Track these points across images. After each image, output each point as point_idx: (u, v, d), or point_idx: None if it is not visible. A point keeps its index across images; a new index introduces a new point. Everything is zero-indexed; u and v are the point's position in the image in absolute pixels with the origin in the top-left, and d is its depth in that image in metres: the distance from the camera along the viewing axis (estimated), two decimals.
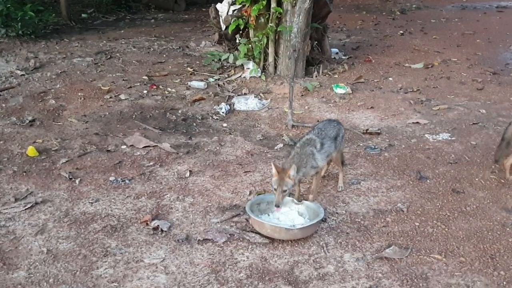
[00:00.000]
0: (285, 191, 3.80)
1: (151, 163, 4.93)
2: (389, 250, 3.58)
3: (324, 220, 3.95)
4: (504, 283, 3.29)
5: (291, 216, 3.93)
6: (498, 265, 3.46)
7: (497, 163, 4.82)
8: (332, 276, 3.34)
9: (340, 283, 3.27)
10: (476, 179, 4.68)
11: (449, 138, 5.61)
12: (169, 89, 7.10)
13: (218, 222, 3.95)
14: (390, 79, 7.77)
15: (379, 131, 5.76)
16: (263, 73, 7.47)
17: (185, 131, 5.81)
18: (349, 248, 3.64)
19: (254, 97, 6.81)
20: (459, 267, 3.44)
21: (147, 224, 3.88)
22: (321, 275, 3.35)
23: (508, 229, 3.89)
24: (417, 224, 3.96)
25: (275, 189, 3.81)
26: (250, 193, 4.41)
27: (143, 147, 5.25)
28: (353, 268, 3.41)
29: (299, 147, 4.12)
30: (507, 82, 7.72)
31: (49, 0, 12.45)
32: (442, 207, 4.19)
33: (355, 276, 3.33)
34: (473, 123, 6.04)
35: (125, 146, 5.29)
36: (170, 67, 8.15)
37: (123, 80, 7.38)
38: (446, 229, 3.89)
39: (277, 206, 3.79)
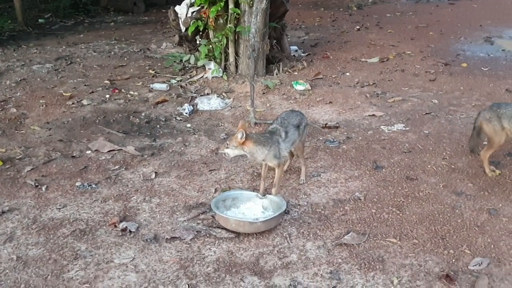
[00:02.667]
0: (227, 147, 4.03)
1: (117, 167, 5.00)
2: (348, 236, 3.81)
3: (287, 212, 4.14)
4: (453, 260, 3.56)
5: (256, 210, 4.11)
6: (448, 244, 3.73)
7: (472, 153, 5.06)
8: (295, 264, 3.53)
9: (302, 270, 3.46)
10: (429, 166, 4.97)
11: (403, 129, 5.91)
12: (131, 92, 7.15)
13: (185, 221, 4.08)
14: (347, 74, 8.07)
15: (337, 125, 6.00)
16: (224, 73, 7.61)
17: (149, 133, 5.89)
18: (311, 237, 3.84)
19: (217, 97, 6.94)
20: (412, 248, 3.69)
21: (115, 226, 3.97)
22: (285, 264, 3.53)
23: (457, 211, 4.18)
24: (374, 211, 4.20)
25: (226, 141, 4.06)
26: (216, 190, 4.56)
27: (108, 151, 5.31)
28: (315, 256, 3.62)
29: (268, 135, 4.26)
30: (457, 72, 8.13)
31: (4, 6, 12.18)
32: (396, 194, 4.45)
33: (316, 263, 3.54)
34: (426, 113, 6.36)
35: (89, 151, 5.34)
36: (131, 70, 8.18)
37: (85, 85, 7.38)
38: (401, 214, 4.14)
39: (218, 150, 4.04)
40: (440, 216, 4.12)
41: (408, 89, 7.33)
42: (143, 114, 6.43)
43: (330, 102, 6.84)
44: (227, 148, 4.06)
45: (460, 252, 3.64)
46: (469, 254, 3.62)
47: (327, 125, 6.00)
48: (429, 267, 3.47)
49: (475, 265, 3.49)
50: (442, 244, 3.74)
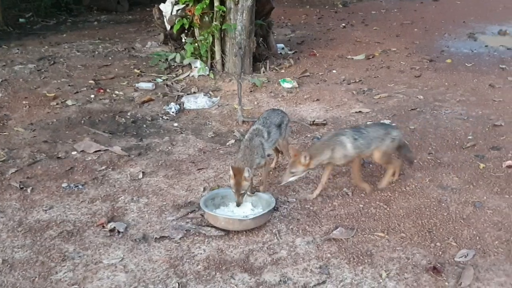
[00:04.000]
0: (242, 193, 4.03)
1: (103, 167, 5.00)
2: (336, 231, 3.88)
3: (276, 209, 4.20)
4: (440, 252, 3.65)
5: (245, 208, 4.15)
6: (434, 237, 3.82)
7: None
8: (285, 260, 3.59)
9: (292, 266, 3.52)
10: (415, 161, 5.03)
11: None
12: (116, 92, 7.14)
13: (173, 220, 4.11)
14: (334, 71, 8.15)
15: (325, 122, 6.07)
16: (211, 71, 7.63)
17: (135, 133, 5.90)
18: (300, 233, 3.90)
19: (204, 95, 6.96)
20: (400, 242, 3.77)
21: (103, 226, 3.98)
22: (274, 260, 3.59)
23: (443, 204, 4.27)
24: (362, 206, 4.28)
25: (234, 192, 4.04)
26: (204, 189, 4.59)
27: (94, 152, 5.31)
28: (304, 251, 3.68)
29: (247, 140, 4.31)
30: (442, 68, 8.27)
31: None
32: (383, 189, 4.53)
33: (306, 258, 3.60)
34: (412, 109, 6.46)
35: (75, 152, 5.33)
36: (116, 69, 8.16)
37: (69, 85, 7.34)
38: (388, 209, 4.23)
39: (238, 205, 4.04)
40: (427, 209, 4.21)
41: (394, 86, 7.43)
42: (129, 114, 6.42)
43: (317, 100, 6.91)
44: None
45: (446, 244, 3.73)
46: (455, 246, 3.71)
47: (314, 122, 6.06)
48: (416, 260, 3.55)
49: (461, 256, 3.58)
50: (429, 237, 3.83)
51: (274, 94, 7.16)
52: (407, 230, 3.92)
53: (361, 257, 3.60)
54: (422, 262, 3.53)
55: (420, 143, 5.47)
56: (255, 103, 6.88)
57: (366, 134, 4.29)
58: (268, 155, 4.68)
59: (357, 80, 7.67)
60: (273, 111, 4.70)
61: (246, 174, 3.97)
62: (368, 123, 5.03)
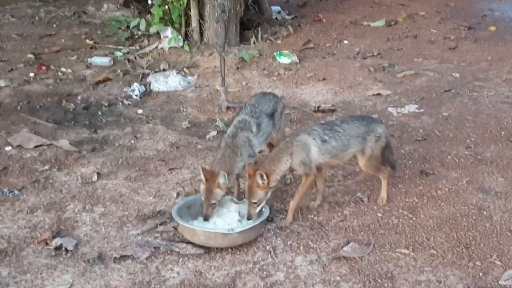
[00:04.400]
0: (213, 204, 4.04)
1: (46, 167, 4.99)
2: (347, 248, 3.89)
3: (270, 220, 4.21)
4: (481, 274, 3.68)
5: (230, 218, 4.15)
6: (473, 254, 3.85)
7: None
8: (282, 285, 3.61)
9: None
10: (449, 157, 5.09)
11: (417, 111, 6.04)
12: (63, 69, 7.09)
13: (138, 234, 4.10)
14: (345, 42, 8.16)
15: (333, 108, 6.08)
16: (185, 42, 7.60)
17: (88, 122, 5.86)
18: (301, 250, 3.92)
19: (176, 73, 6.92)
20: (429, 261, 3.80)
21: (46, 243, 3.97)
22: (269, 285, 3.61)
23: (485, 212, 4.31)
24: (380, 215, 4.31)
25: (203, 200, 4.05)
26: (178, 195, 4.59)
27: (34, 147, 5.28)
28: (307, 273, 3.70)
29: (230, 136, 4.30)
30: (484, 38, 8.30)
31: None
32: (408, 193, 4.57)
33: (309, 283, 3.62)
34: (445, 91, 6.49)
35: (10, 147, 5.30)
36: (63, 40, 8.10)
37: (1, 61, 7.28)
38: (414, 219, 4.26)
39: (205, 219, 4.03)
40: (464, 219, 4.24)
41: (422, 60, 7.44)
42: (79, 98, 6.38)
43: (323, 79, 6.89)
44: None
45: (488, 263, 3.76)
46: (500, 265, 3.74)
47: (320, 109, 6.06)
48: (450, 284, 3.58)
49: (508, 279, 3.61)
50: (466, 254, 3.86)
51: (267, 72, 7.14)
52: (438, 245, 3.95)
53: (379, 280, 3.62)
54: (458, 287, 3.56)
55: (456, 135, 5.51)
56: (243, 83, 6.86)
57: (341, 132, 4.22)
58: (260, 152, 4.70)
59: (375, 54, 7.67)
60: (263, 96, 4.71)
61: (221, 180, 3.98)
62: (344, 117, 4.92)
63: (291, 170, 4.19)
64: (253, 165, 4.10)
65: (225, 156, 4.20)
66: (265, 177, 3.94)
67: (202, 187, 4.03)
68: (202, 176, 4.01)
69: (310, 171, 4.15)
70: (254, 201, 3.99)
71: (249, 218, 3.99)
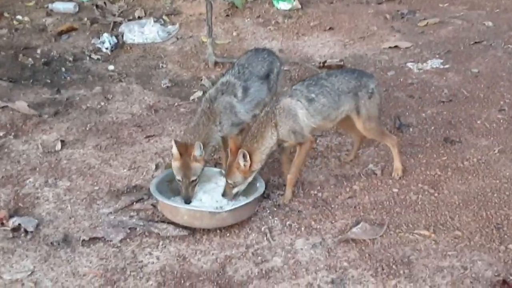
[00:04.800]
0: (193, 181, 4.04)
1: (1, 134, 5.00)
2: (357, 229, 3.92)
3: (266, 197, 4.24)
4: None
5: (219, 194, 4.15)
6: (505, 236, 3.88)
7: None
8: (279, 271, 3.64)
9: (290, 280, 3.58)
10: (478, 122, 5.10)
11: (441, 66, 6.04)
12: (19, 17, 7.05)
13: (110, 213, 4.13)
14: None
15: (341, 63, 6.05)
16: None
17: (49, 81, 5.86)
18: (302, 232, 3.95)
19: (154, 22, 6.89)
20: (453, 244, 3.82)
21: (2, 223, 3.99)
22: (264, 272, 3.64)
23: None
24: (396, 190, 4.33)
25: (180, 180, 4.04)
26: (157, 167, 4.61)
27: None
28: (309, 258, 3.73)
29: (208, 100, 4.27)
30: None
31: None
32: (430, 165, 4.58)
33: (311, 269, 3.65)
34: (475, 42, 6.48)
35: None
36: None
37: None
38: (436, 195, 4.28)
39: (187, 202, 4.03)
40: (495, 195, 4.26)
41: (448, 6, 7.41)
42: (39, 51, 6.37)
43: (330, 29, 6.86)
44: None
45: None
46: None
47: (325, 64, 6.04)
48: (477, 271, 3.61)
49: None
50: (497, 236, 3.89)
51: (263, 20, 7.11)
52: (464, 226, 3.98)
53: (394, 267, 3.65)
54: (487, 274, 3.59)
55: (487, 95, 5.51)
56: (234, 34, 6.84)
57: (329, 87, 4.22)
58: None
59: None
60: (256, 54, 4.67)
61: (196, 152, 3.98)
62: (331, 71, 4.82)
63: (280, 143, 4.16)
64: (237, 140, 4.09)
65: (199, 124, 4.18)
66: (248, 157, 3.94)
67: (176, 163, 4.02)
68: (175, 151, 3.99)
69: (304, 139, 4.16)
70: (230, 181, 4.02)
71: (223, 196, 4.04)
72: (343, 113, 4.27)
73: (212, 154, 4.68)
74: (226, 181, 4.03)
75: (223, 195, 4.04)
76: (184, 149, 3.99)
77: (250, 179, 4.07)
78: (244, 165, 3.96)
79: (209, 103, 4.24)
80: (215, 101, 4.25)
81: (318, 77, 4.34)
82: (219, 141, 4.31)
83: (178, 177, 4.03)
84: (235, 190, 4.03)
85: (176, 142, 4.03)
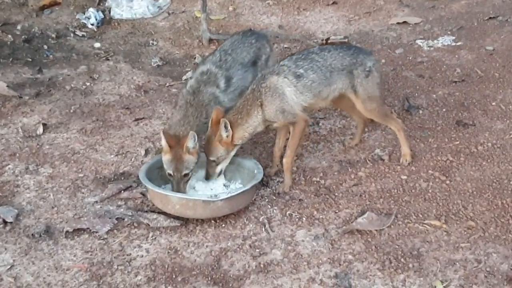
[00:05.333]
0: (186, 175, 4.00)
1: None
2: (362, 219, 3.88)
3: (264, 184, 4.21)
4: None
5: (214, 182, 4.14)
6: None
7: None
8: (279, 265, 3.61)
9: (291, 275, 3.54)
10: (493, 104, 5.06)
11: (453, 44, 6.00)
12: None
13: (96, 202, 4.10)
14: None
15: (346, 40, 6.04)
16: None
17: (30, 59, 5.84)
18: (304, 222, 3.92)
19: None
20: (466, 235, 3.80)
21: None
22: (262, 265, 3.61)
23: None
24: (405, 177, 4.30)
25: (171, 175, 3.99)
26: (147, 152, 4.59)
27: None
28: (311, 251, 3.69)
29: (190, 93, 4.22)
30: None
31: None
32: (441, 150, 4.54)
33: (313, 262, 3.61)
34: (490, 18, 6.45)
35: None
36: None
37: None
38: (448, 182, 4.24)
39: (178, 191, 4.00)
40: (511, 183, 4.23)
41: None
42: (19, 27, 6.34)
43: (334, 3, 6.83)
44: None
45: None
46: None
47: (329, 41, 6.02)
48: (492, 264, 3.59)
49: None
50: None
51: None
52: (478, 216, 3.95)
53: (402, 260, 3.62)
54: (502, 267, 3.56)
55: (503, 74, 5.48)
56: (230, 9, 6.80)
57: (320, 62, 4.18)
58: None
59: None
60: (243, 39, 4.60)
61: (190, 143, 3.94)
62: (325, 46, 4.85)
63: (268, 124, 4.12)
64: (221, 111, 4.03)
65: (187, 116, 4.15)
66: (229, 128, 3.91)
67: (167, 156, 3.98)
68: (164, 143, 3.96)
69: (296, 118, 4.11)
70: (212, 158, 3.99)
71: (207, 179, 4.01)
72: (335, 91, 4.24)
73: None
74: (208, 160, 4.00)
75: (206, 177, 4.02)
76: (175, 141, 3.95)
77: (232, 153, 4.05)
78: (226, 136, 3.93)
79: (193, 95, 4.21)
80: (199, 93, 4.22)
81: (309, 51, 4.29)
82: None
83: (169, 171, 3.99)
84: (218, 168, 4.02)
85: (165, 133, 3.99)
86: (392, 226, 3.87)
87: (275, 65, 4.22)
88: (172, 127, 4.14)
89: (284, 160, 4.19)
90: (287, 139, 4.28)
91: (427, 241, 3.77)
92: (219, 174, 4.04)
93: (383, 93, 4.50)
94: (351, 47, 4.49)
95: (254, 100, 4.03)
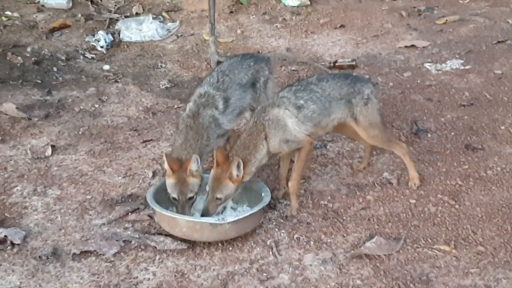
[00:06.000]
0: (191, 198, 3.99)
1: None
2: (371, 243, 3.86)
3: (271, 207, 4.20)
4: None
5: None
6: None
7: None
8: None
9: None
10: (502, 128, 5.05)
11: (462, 67, 6.00)
12: (8, 13, 7.04)
13: (103, 224, 4.09)
14: None
15: (353, 63, 6.05)
16: None
17: (40, 81, 5.84)
18: (312, 246, 3.89)
19: (153, 18, 6.90)
20: (475, 260, 3.76)
21: None
22: None
23: None
24: (413, 201, 4.28)
25: (175, 198, 3.98)
26: (154, 174, 4.58)
27: None
28: (318, 276, 3.67)
29: (190, 116, 4.23)
30: None
31: None
32: (450, 174, 4.52)
33: (321, 287, 3.58)
34: (498, 42, 6.45)
35: None
36: None
37: None
38: (457, 206, 4.22)
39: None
40: None
41: (469, 3, 7.40)
42: (29, 50, 6.35)
43: (341, 26, 6.86)
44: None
45: None
46: None
47: (336, 64, 6.04)
48: None
49: None
50: None
51: (270, 17, 7.11)
52: (487, 241, 3.92)
53: (411, 285, 3.59)
54: None
55: (511, 98, 5.46)
56: (239, 32, 6.82)
57: (319, 93, 4.18)
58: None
59: None
60: (241, 61, 4.60)
61: (193, 166, 3.94)
62: (322, 75, 4.86)
63: (271, 155, 4.11)
64: (223, 149, 4.05)
65: (188, 139, 4.15)
66: (242, 167, 3.91)
67: (170, 180, 3.97)
68: (167, 167, 3.95)
69: (300, 144, 4.12)
70: (220, 196, 3.94)
71: (203, 215, 3.93)
72: (334, 121, 4.24)
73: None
74: (212, 196, 3.94)
75: (204, 213, 3.93)
76: (178, 164, 3.95)
77: (239, 190, 4.03)
78: (237, 175, 3.90)
79: (192, 118, 4.21)
80: (199, 116, 4.22)
81: (308, 81, 4.30)
82: (209, 155, 4.27)
83: (174, 195, 3.98)
84: (221, 207, 3.98)
85: (167, 156, 3.98)
86: (400, 251, 3.84)
87: (275, 97, 4.21)
88: (174, 151, 4.15)
89: (290, 183, 4.18)
90: (292, 160, 4.27)
91: (436, 266, 3.73)
92: (220, 212, 3.99)
93: (384, 119, 4.49)
94: (348, 76, 4.50)
95: (258, 133, 4.03)
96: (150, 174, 4.57)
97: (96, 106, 5.48)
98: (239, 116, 4.49)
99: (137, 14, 7.08)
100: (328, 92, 4.18)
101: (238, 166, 3.89)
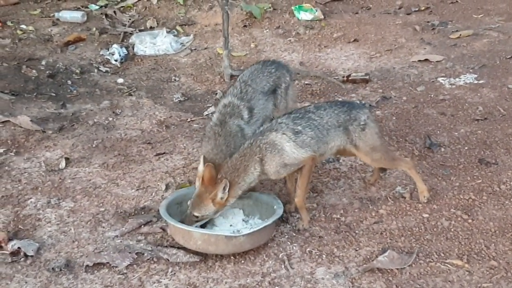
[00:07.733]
0: (196, 216, 3.97)
1: (1, 150, 5.00)
2: (383, 257, 3.85)
3: (284, 220, 4.20)
4: None
5: (234, 217, 4.18)
6: None
7: None
8: None
9: None
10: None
11: (475, 82, 5.99)
12: (23, 26, 7.10)
13: (116, 237, 4.11)
14: None
15: (367, 77, 6.06)
16: None
17: (54, 94, 5.88)
18: (324, 260, 3.89)
19: (167, 32, 6.94)
20: (489, 275, 3.75)
21: (0, 247, 3.97)
22: None
23: None
24: (426, 215, 4.27)
25: (189, 203, 3.98)
26: (167, 187, 4.60)
27: None
28: None
29: (217, 124, 4.25)
30: None
31: None
32: (463, 188, 4.52)
33: None
34: None
35: None
36: None
37: None
38: (470, 221, 4.21)
39: (182, 221, 3.95)
40: None
41: (483, 17, 7.40)
42: (43, 63, 6.39)
43: (355, 40, 6.88)
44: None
45: None
46: None
47: (350, 78, 6.06)
48: None
49: None
50: None
51: (283, 31, 7.13)
52: (500, 255, 3.91)
53: None
54: None
55: None
56: (252, 45, 6.84)
57: (316, 121, 4.19)
58: None
59: (422, 8, 7.67)
60: (262, 68, 4.63)
61: (219, 192, 3.90)
62: (319, 103, 4.85)
63: (261, 178, 4.12)
64: (212, 169, 3.98)
65: (218, 145, 4.18)
66: (227, 190, 3.91)
67: (195, 188, 4.02)
68: (200, 173, 3.96)
69: (301, 164, 4.11)
70: (197, 214, 3.94)
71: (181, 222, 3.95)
72: (333, 149, 4.25)
73: None
74: (189, 212, 3.95)
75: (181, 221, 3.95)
76: (211, 180, 3.91)
77: (218, 214, 4.03)
78: (221, 198, 3.91)
79: (220, 126, 4.24)
80: (226, 124, 4.25)
81: (306, 110, 4.29)
82: None
83: (188, 201, 4.01)
84: (196, 224, 3.96)
85: (205, 159, 4.00)
86: (413, 265, 3.83)
87: (273, 122, 4.21)
88: (209, 154, 4.16)
89: (296, 199, 4.18)
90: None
91: (449, 281, 3.72)
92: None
93: (385, 141, 4.54)
94: (344, 103, 4.48)
95: (252, 155, 4.02)
96: (163, 187, 4.59)
97: (110, 119, 5.51)
98: (261, 126, 4.41)
99: (151, 28, 7.13)
100: (326, 120, 4.19)
101: (224, 189, 3.89)
